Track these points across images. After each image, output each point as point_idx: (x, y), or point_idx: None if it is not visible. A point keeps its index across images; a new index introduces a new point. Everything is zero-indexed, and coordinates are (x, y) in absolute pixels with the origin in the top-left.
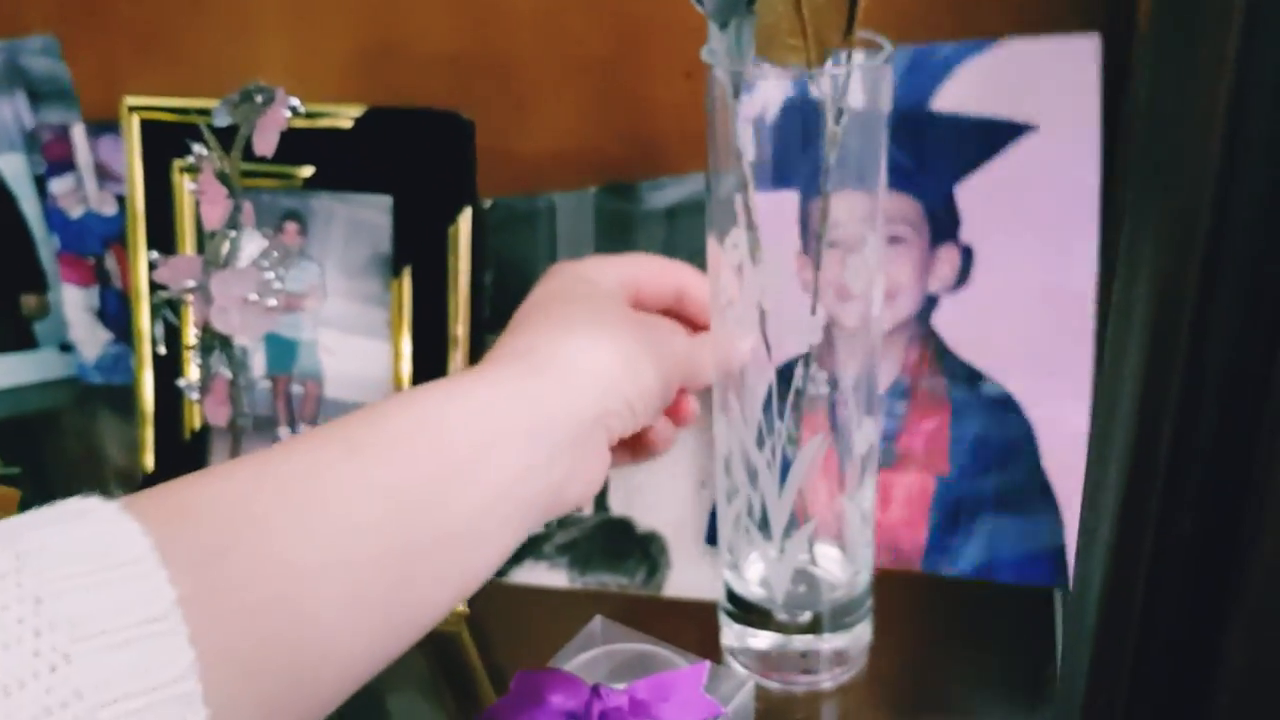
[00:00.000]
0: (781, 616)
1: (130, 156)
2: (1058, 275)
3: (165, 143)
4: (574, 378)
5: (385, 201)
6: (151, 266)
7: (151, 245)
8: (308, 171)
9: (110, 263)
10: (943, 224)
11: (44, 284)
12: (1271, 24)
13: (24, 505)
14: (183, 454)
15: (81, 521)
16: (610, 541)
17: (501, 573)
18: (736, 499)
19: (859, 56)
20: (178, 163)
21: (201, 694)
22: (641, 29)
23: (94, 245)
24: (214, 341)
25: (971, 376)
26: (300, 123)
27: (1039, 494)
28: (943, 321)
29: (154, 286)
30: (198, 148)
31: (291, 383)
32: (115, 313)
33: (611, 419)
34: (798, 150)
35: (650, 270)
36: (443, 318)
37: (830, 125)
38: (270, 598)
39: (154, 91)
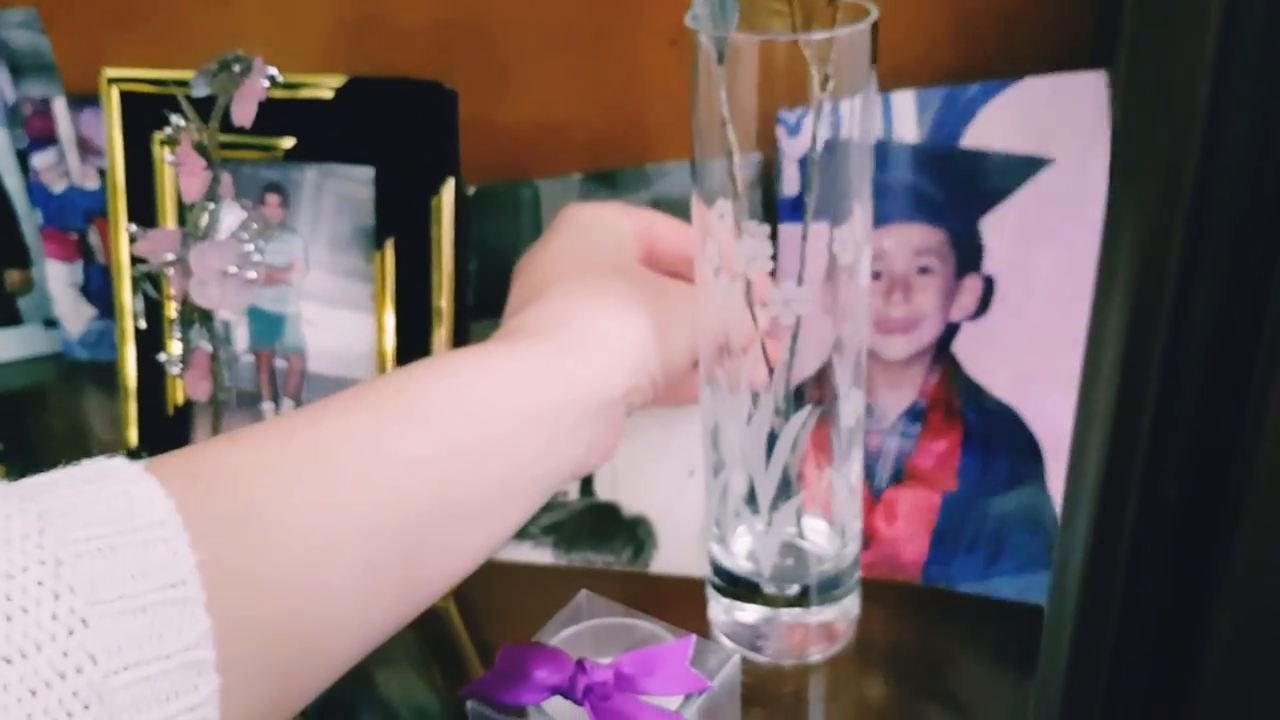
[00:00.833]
0: (769, 590)
1: (110, 129)
2: (1072, 304)
3: (145, 115)
4: (605, 357)
5: (367, 173)
6: (131, 240)
7: (132, 218)
8: (289, 143)
9: (93, 237)
10: (968, 255)
11: (27, 259)
12: (1248, 30)
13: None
14: (166, 429)
15: (105, 482)
16: (597, 524)
17: None
18: (723, 472)
19: (843, 21)
20: (157, 135)
21: (214, 661)
22: None
23: (77, 220)
24: (194, 315)
25: (985, 400)
26: (281, 93)
27: (1044, 516)
28: (962, 348)
29: (134, 260)
30: (175, 119)
31: (275, 357)
32: (99, 288)
33: (635, 395)
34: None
35: (668, 232)
36: (426, 290)
37: (815, 92)
38: (288, 566)
39: (135, 63)
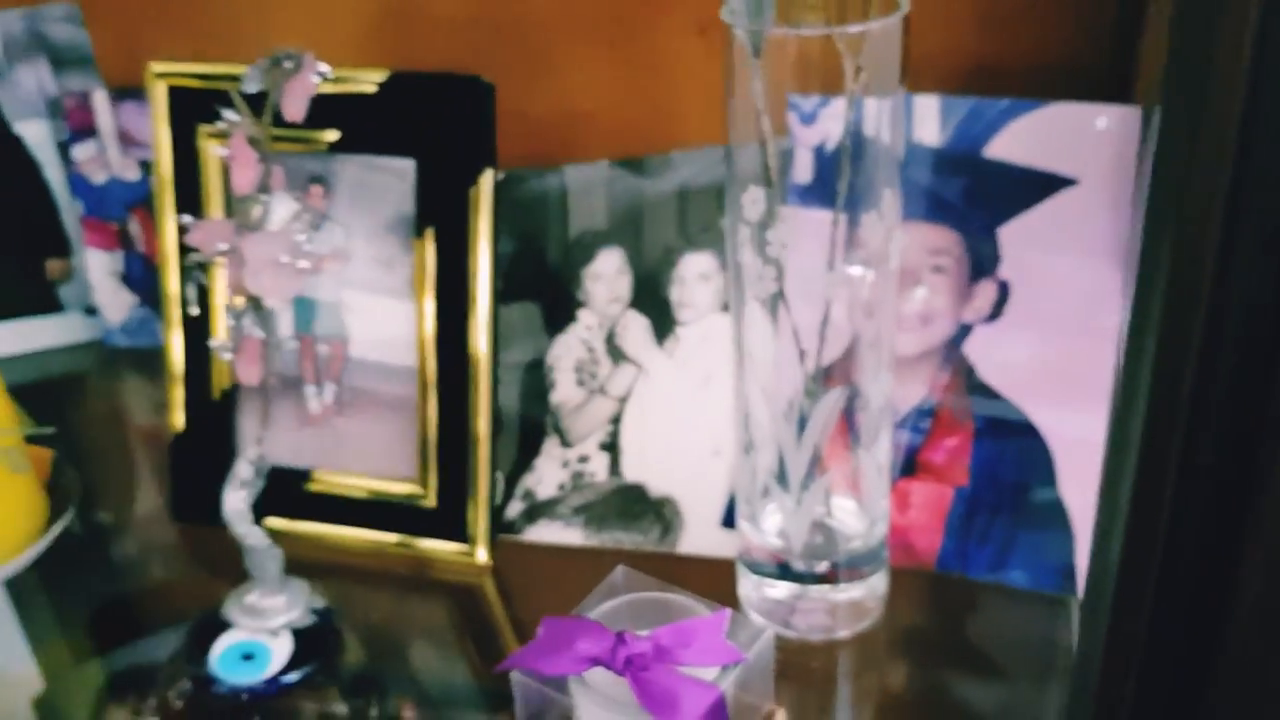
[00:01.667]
0: (799, 567)
1: (156, 122)
2: (1085, 314)
3: (190, 108)
4: None
5: (408, 165)
6: (182, 230)
7: (179, 209)
8: (332, 135)
9: (134, 227)
10: (984, 260)
11: (68, 249)
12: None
13: (56, 465)
14: (212, 412)
15: None
16: (625, 505)
17: (518, 530)
18: (753, 452)
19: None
20: (203, 128)
21: None
22: None
23: (117, 210)
24: (246, 303)
25: (996, 400)
26: (325, 87)
27: (1053, 512)
28: (974, 349)
29: (184, 250)
30: (228, 113)
31: (318, 343)
32: (139, 276)
33: None
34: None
35: None
36: (464, 277)
37: (849, 84)
38: None
39: (174, 58)
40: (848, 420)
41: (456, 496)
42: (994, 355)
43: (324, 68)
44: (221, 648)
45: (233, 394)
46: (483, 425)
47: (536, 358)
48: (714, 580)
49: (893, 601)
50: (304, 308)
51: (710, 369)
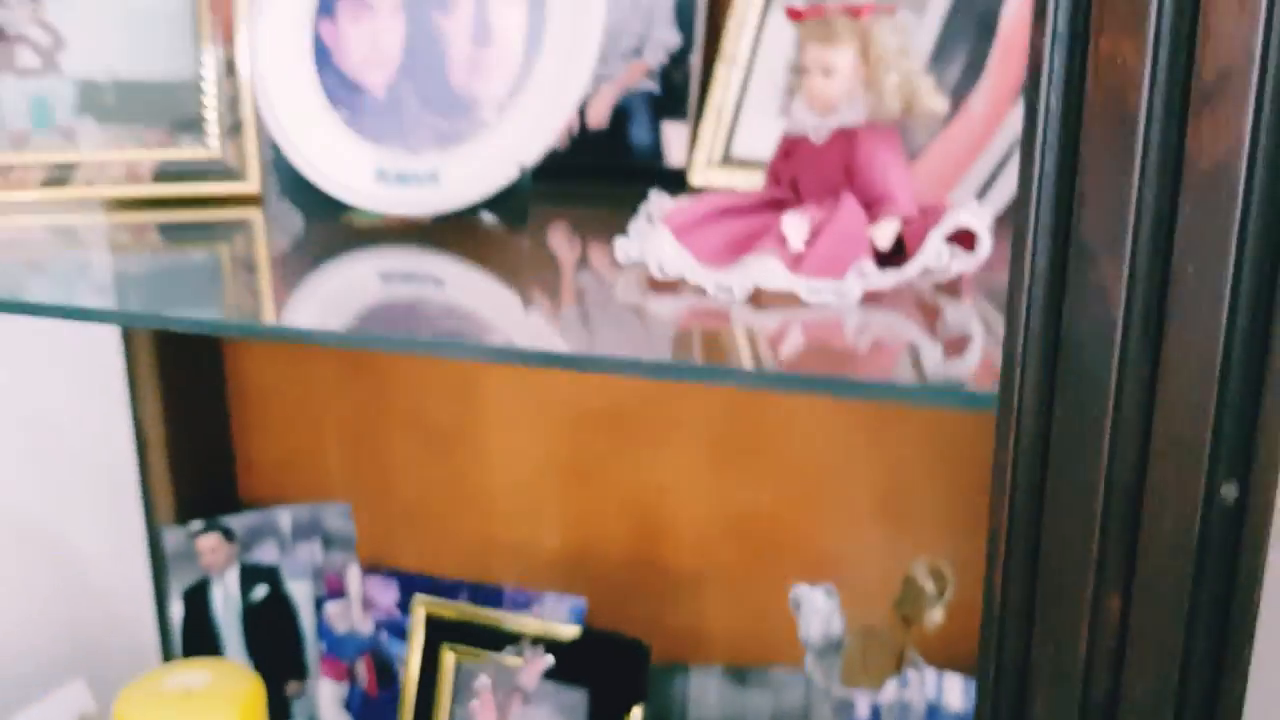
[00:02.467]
0: None
1: (412, 639)
2: None
3: (439, 629)
4: None
5: (584, 693)
6: None
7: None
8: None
9: (360, 668)
10: None
11: (305, 674)
12: None
13: None
14: None
15: None
16: None
17: None
18: None
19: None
20: (444, 646)
21: None
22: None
23: (349, 654)
24: None
25: None
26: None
27: None
28: None
29: None
30: (483, 678)
31: None
32: (357, 707)
33: None
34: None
35: None
36: None
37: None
38: None
39: (412, 555)
40: None
41: None
42: None
43: (549, 659)
44: None
45: None
46: None
47: None
48: None
49: None
50: None
51: None
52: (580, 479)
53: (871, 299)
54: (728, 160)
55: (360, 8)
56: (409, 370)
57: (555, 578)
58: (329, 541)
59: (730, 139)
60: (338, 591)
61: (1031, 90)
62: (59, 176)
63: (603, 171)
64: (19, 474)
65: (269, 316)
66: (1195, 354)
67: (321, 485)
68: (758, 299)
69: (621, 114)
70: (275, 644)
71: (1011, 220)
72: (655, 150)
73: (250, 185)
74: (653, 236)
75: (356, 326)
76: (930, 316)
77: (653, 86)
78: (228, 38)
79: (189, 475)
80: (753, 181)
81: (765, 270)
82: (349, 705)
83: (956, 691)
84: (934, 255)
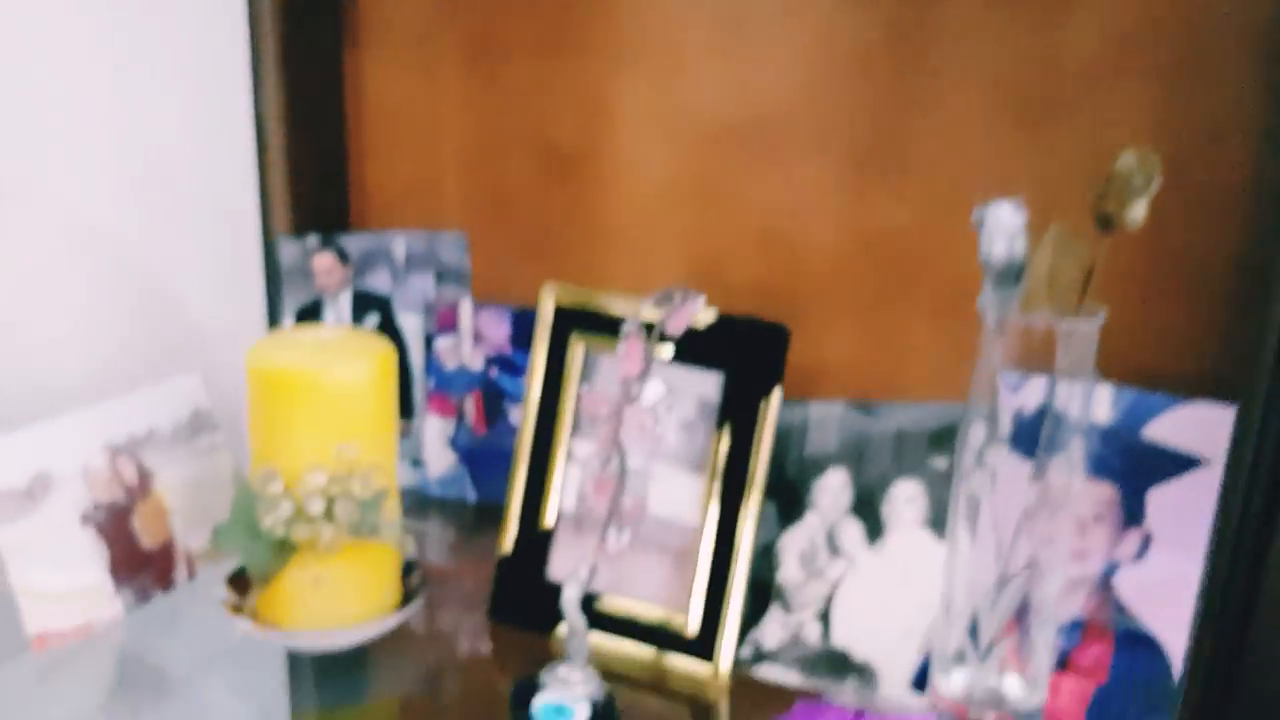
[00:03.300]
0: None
1: (540, 325)
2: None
3: (566, 322)
4: None
5: (719, 377)
6: (578, 399)
7: (544, 390)
8: (668, 350)
9: (469, 405)
10: (1135, 514)
11: (412, 413)
12: None
13: (409, 564)
14: (534, 543)
15: None
16: (832, 663)
17: (744, 668)
18: (952, 624)
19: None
20: (573, 335)
21: None
22: (904, 269)
23: (459, 390)
24: (616, 453)
25: (1132, 619)
26: None
27: (1172, 703)
28: (1120, 581)
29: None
30: (630, 321)
31: (625, 495)
32: (464, 444)
33: None
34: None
35: None
36: (745, 466)
37: (1059, 364)
38: None
39: (527, 287)
40: (1021, 620)
41: (711, 628)
42: (1135, 588)
43: (703, 301)
44: (540, 703)
45: (549, 532)
46: (739, 581)
47: (769, 542)
48: None
49: None
50: None
51: (909, 568)
52: (708, 202)
53: None
54: None
55: None
56: (535, 87)
57: None
58: (442, 275)
59: None
60: (449, 325)
61: None
62: None
63: None
64: (143, 171)
65: None
66: None
67: (436, 214)
68: None
69: None
70: None
71: None
72: None
73: None
74: None
75: None
76: None
77: None
78: None
79: (306, 188)
80: None
81: None
82: (454, 442)
83: (1105, 403)
84: None
